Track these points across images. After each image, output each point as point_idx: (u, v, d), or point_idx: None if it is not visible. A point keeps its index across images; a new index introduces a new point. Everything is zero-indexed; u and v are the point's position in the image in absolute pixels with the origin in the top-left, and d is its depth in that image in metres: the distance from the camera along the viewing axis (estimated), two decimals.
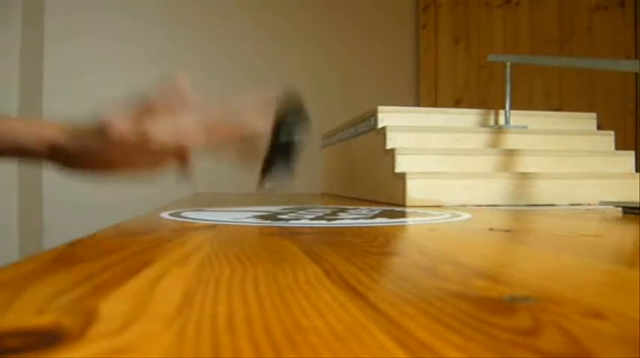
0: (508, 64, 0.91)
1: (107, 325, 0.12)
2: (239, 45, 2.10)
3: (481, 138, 0.78)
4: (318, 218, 0.42)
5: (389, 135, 0.73)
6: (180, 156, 0.49)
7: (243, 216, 0.43)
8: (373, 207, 0.58)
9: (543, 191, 0.70)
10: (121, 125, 0.39)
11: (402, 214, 0.50)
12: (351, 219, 0.42)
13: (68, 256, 0.24)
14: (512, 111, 0.84)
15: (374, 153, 0.78)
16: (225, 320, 0.13)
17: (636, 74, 2.10)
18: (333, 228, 0.36)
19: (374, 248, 0.26)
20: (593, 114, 0.87)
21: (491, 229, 0.37)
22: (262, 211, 0.48)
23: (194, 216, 0.44)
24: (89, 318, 0.13)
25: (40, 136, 0.45)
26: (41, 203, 1.90)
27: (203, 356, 0.10)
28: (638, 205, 0.49)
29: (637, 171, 0.78)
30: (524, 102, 2.09)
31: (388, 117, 0.78)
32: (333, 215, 0.46)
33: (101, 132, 0.39)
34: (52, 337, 0.11)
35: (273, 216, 0.43)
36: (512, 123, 0.83)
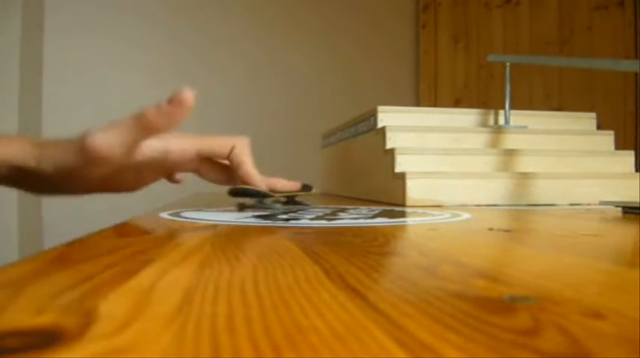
0: (508, 63, 0.91)
1: (107, 325, 0.12)
2: (241, 43, 2.10)
3: (481, 138, 0.78)
4: (318, 218, 0.42)
5: (389, 135, 0.73)
6: (166, 172, 0.49)
7: (243, 216, 0.43)
8: (373, 207, 0.58)
9: (543, 191, 0.70)
10: (102, 139, 0.36)
11: (402, 214, 0.50)
12: (351, 218, 0.42)
13: (68, 256, 0.24)
14: (512, 111, 0.84)
15: (374, 153, 0.78)
16: (224, 320, 0.13)
17: (636, 74, 2.10)
18: (333, 227, 0.36)
19: (374, 248, 0.26)
20: (593, 114, 0.87)
21: (491, 229, 0.37)
22: (262, 211, 0.48)
23: (194, 216, 0.44)
24: (89, 318, 0.13)
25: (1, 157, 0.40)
26: (41, 203, 1.90)
27: (203, 356, 0.10)
28: (638, 205, 0.49)
29: (637, 171, 0.78)
30: (524, 102, 2.10)
31: (388, 117, 0.78)
32: (333, 215, 0.46)
33: (79, 147, 0.36)
34: (52, 337, 0.11)
35: (273, 216, 0.43)
36: (512, 123, 0.83)
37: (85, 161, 0.37)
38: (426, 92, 2.22)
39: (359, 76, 2.19)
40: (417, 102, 2.21)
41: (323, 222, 0.39)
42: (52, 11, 1.94)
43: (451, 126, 0.78)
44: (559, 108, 2.13)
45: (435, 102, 2.18)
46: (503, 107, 0.85)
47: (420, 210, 0.55)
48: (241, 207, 0.52)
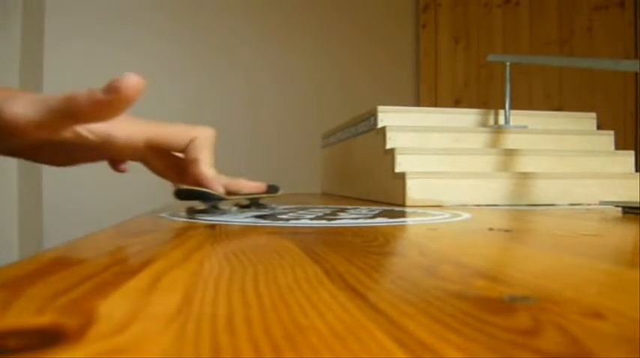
0: (508, 63, 0.91)
1: (107, 325, 0.12)
2: (239, 48, 2.10)
3: (481, 138, 0.78)
4: (318, 218, 0.42)
5: (389, 135, 0.73)
6: (106, 156, 0.45)
7: (243, 216, 0.43)
8: (373, 207, 0.58)
9: (543, 191, 0.70)
10: (19, 109, 0.33)
11: (402, 214, 0.50)
12: (351, 218, 0.42)
13: (68, 256, 0.24)
14: (512, 111, 0.84)
15: (374, 152, 0.78)
16: (224, 320, 0.13)
17: (636, 74, 2.10)
18: (333, 227, 0.36)
19: (374, 248, 0.26)
20: (593, 114, 0.87)
21: (491, 229, 0.37)
22: (262, 211, 0.48)
23: (194, 216, 0.44)
24: (89, 318, 0.13)
25: None
26: (41, 203, 1.90)
27: (203, 356, 0.10)
28: (638, 205, 0.49)
29: (637, 171, 0.78)
30: (524, 102, 2.10)
31: (388, 117, 0.78)
32: (333, 215, 0.46)
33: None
34: (52, 337, 0.11)
35: (273, 216, 0.43)
36: (512, 123, 0.83)
37: (2, 127, 0.34)
38: (426, 92, 2.22)
39: (359, 76, 2.19)
40: (417, 102, 2.21)
41: (323, 222, 0.39)
42: (52, 17, 1.94)
43: (451, 126, 0.78)
44: (559, 108, 2.13)
45: (435, 102, 2.18)
46: (503, 107, 0.85)
47: (420, 210, 0.55)
48: (190, 211, 0.44)
